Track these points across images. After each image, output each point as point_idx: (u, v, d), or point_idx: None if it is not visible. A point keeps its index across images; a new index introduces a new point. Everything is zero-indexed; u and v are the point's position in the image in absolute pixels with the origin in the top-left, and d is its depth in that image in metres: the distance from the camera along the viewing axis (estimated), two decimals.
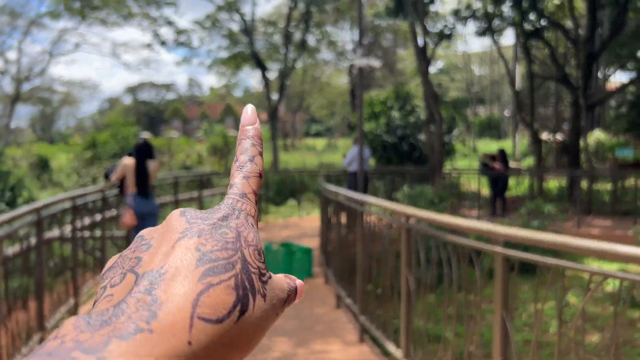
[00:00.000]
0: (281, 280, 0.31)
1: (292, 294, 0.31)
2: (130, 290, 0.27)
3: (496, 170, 11.23)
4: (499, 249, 2.49)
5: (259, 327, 0.28)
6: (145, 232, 0.30)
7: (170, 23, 19.83)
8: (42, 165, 22.43)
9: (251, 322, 0.27)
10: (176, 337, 0.25)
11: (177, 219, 0.29)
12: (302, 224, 10.69)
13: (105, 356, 0.24)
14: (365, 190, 7.54)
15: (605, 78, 19.39)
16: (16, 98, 35.53)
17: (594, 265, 6.18)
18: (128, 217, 5.33)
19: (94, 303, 0.28)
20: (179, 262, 0.27)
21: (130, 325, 0.25)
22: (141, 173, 5.62)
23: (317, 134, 61.81)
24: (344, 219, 5.27)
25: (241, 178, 0.32)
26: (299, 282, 0.33)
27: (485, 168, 11.34)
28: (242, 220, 0.29)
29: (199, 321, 0.25)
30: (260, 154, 0.33)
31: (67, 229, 5.05)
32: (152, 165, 5.77)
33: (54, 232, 4.85)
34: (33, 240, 4.24)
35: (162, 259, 0.28)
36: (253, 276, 0.28)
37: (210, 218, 0.29)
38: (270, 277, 0.29)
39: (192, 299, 0.26)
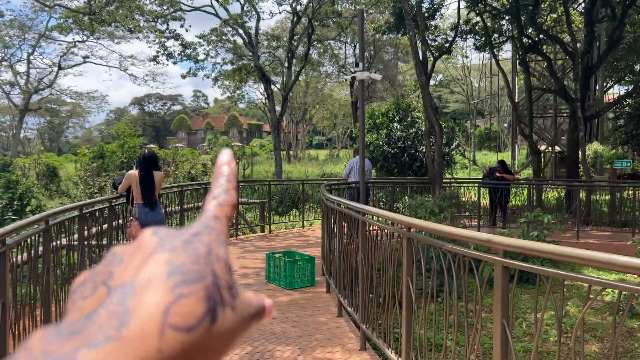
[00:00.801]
0: (250, 297, 0.32)
1: (261, 311, 0.32)
2: (102, 302, 0.27)
3: (509, 180, 11.37)
4: (498, 258, 2.55)
5: (228, 338, 0.28)
6: (117, 248, 0.31)
7: (176, 37, 20.05)
8: (50, 175, 22.56)
9: (221, 333, 0.28)
10: (146, 345, 0.25)
11: (149, 237, 0.30)
12: (305, 233, 10.76)
13: None
14: (366, 201, 7.63)
15: (603, 90, 19.56)
16: (25, 109, 35.74)
17: (593, 275, 6.25)
18: (133, 228, 5.42)
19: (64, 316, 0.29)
20: (150, 274, 0.27)
21: (100, 334, 0.25)
22: (146, 184, 5.71)
23: (319, 145, 62.01)
24: (345, 228, 5.35)
25: (215, 204, 0.33)
26: (267, 301, 0.34)
27: (492, 177, 11.44)
28: (214, 237, 0.30)
29: (169, 330, 0.26)
30: (235, 189, 0.34)
31: (75, 237, 5.12)
32: (157, 175, 5.87)
33: (62, 241, 4.93)
34: (41, 249, 4.32)
35: (134, 272, 0.28)
36: (223, 290, 0.28)
37: (182, 234, 0.30)
38: (238, 293, 0.30)
39: (163, 308, 0.26)
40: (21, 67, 40.50)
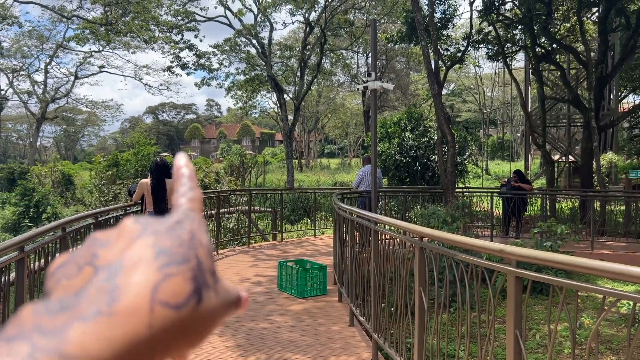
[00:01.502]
0: (228, 285, 0.33)
1: (237, 301, 0.33)
2: (90, 280, 0.28)
3: (526, 189, 11.31)
4: (511, 268, 2.55)
5: (211, 320, 0.29)
6: (99, 234, 0.31)
7: (190, 47, 20.31)
8: (66, 183, 22.87)
9: (205, 315, 0.29)
10: (136, 319, 0.26)
11: (132, 224, 0.31)
12: (316, 242, 10.77)
13: (66, 338, 0.25)
14: (377, 210, 7.63)
15: (618, 100, 19.40)
16: (42, 118, 36.32)
17: (608, 287, 6.18)
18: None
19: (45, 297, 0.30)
20: (137, 255, 0.28)
21: (91, 309, 0.26)
22: (158, 191, 5.78)
23: (331, 154, 62.09)
24: (357, 237, 5.36)
25: (185, 201, 0.34)
26: (243, 293, 0.34)
27: (508, 186, 11.38)
28: (196, 224, 0.31)
29: (158, 306, 0.27)
30: (198, 186, 0.36)
31: None
32: (169, 183, 5.94)
33: (78, 248, 5.00)
34: (58, 255, 4.38)
35: (119, 254, 0.29)
36: (206, 273, 0.29)
37: (164, 222, 0.31)
38: (219, 279, 0.31)
39: (152, 285, 0.27)
40: (39, 77, 41.22)
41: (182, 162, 0.37)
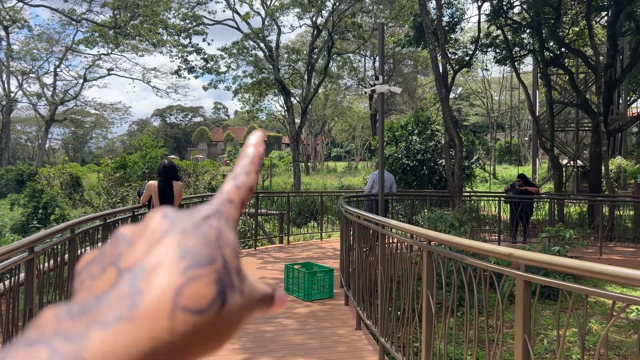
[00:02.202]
0: (257, 282, 0.32)
1: (267, 298, 0.33)
2: (112, 283, 0.28)
3: (532, 192, 11.26)
4: (520, 272, 2.54)
5: (235, 322, 0.29)
6: (124, 230, 0.31)
7: (198, 51, 20.40)
8: (74, 185, 23.02)
9: (228, 317, 0.28)
10: (157, 325, 0.26)
11: (159, 219, 0.30)
12: (323, 245, 10.77)
13: (85, 343, 0.24)
14: (385, 214, 7.62)
15: (627, 104, 19.28)
16: (51, 120, 36.59)
17: (617, 292, 6.14)
18: None
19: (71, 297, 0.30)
20: (161, 256, 0.28)
21: (112, 313, 0.26)
22: (165, 193, 5.81)
23: (338, 157, 62.12)
24: (364, 240, 5.36)
25: (232, 186, 0.33)
26: (280, 292, 0.34)
27: (514, 190, 11.31)
28: (224, 222, 0.31)
29: (180, 311, 0.26)
30: (256, 172, 0.34)
31: (99, 246, 5.22)
32: (176, 185, 5.96)
33: (87, 249, 5.03)
34: (67, 256, 4.42)
35: (143, 254, 0.28)
36: (232, 273, 0.29)
37: (192, 218, 0.30)
38: (246, 277, 0.31)
39: (174, 290, 0.26)
40: (48, 79, 41.52)
41: (253, 140, 0.36)
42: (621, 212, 11.83)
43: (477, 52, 15.52)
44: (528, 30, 15.58)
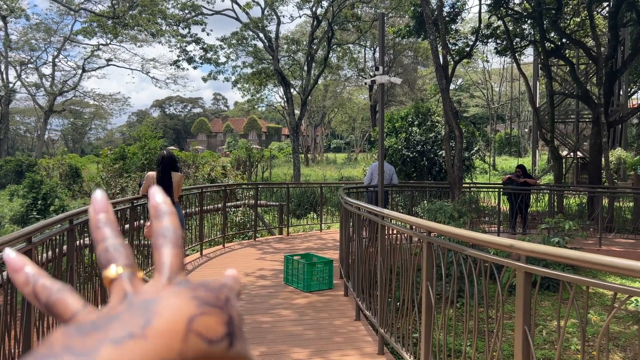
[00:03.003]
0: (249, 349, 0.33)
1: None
2: (124, 306, 0.28)
3: (531, 184, 11.25)
4: (521, 264, 2.53)
5: None
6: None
7: (197, 41, 20.29)
8: (73, 176, 23.01)
9: (233, 359, 0.28)
10: (169, 345, 0.25)
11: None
12: (323, 236, 10.78)
13: (95, 358, 0.24)
14: (385, 205, 7.60)
15: (627, 95, 19.22)
16: (50, 111, 36.47)
17: (617, 283, 6.14)
18: (149, 228, 5.50)
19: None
20: (174, 293, 0.28)
21: (123, 330, 0.25)
22: (163, 184, 5.78)
23: (338, 149, 62.08)
24: (364, 232, 5.35)
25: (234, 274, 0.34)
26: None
27: (511, 182, 11.29)
28: (233, 293, 0.31)
29: (193, 336, 0.26)
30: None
31: None
32: (175, 176, 5.93)
33: (85, 240, 5.02)
34: (65, 247, 4.40)
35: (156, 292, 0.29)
36: (238, 326, 0.30)
37: (206, 286, 0.30)
38: (246, 340, 0.31)
39: (189, 315, 0.27)
40: (46, 70, 41.43)
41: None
42: (621, 204, 11.82)
43: (477, 43, 15.44)
44: (529, 21, 15.48)
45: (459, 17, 15.39)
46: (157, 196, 0.34)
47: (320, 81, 27.33)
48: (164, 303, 0.27)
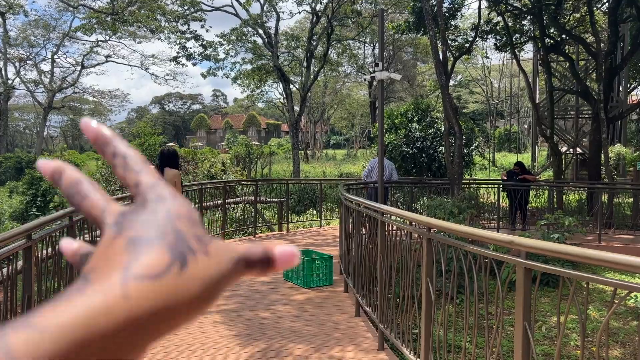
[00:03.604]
0: (231, 245, 0.32)
1: (256, 258, 0.33)
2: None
3: (530, 180, 11.26)
4: (521, 260, 2.53)
5: (208, 281, 0.29)
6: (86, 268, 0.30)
7: (196, 37, 20.24)
8: None
9: (197, 278, 0.28)
10: (109, 291, 0.25)
11: (109, 239, 0.30)
12: (323, 232, 10.78)
13: (34, 319, 0.24)
14: (385, 201, 7.60)
15: (627, 91, 19.20)
16: (49, 107, 36.42)
17: (616, 279, 6.14)
18: None
19: None
20: (111, 250, 0.29)
21: (62, 296, 0.26)
22: None
23: (337, 145, 62.03)
24: (364, 228, 5.35)
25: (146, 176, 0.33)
26: (283, 248, 0.33)
27: (511, 178, 11.31)
28: (169, 201, 0.31)
29: (132, 279, 0.26)
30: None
31: (97, 233, 5.21)
32: (168, 173, 5.86)
33: (85, 236, 5.02)
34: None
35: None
36: (189, 240, 0.29)
37: (140, 214, 0.30)
38: (210, 241, 0.30)
39: (122, 266, 0.27)
40: (45, 66, 41.28)
41: (89, 126, 0.35)
42: (620, 200, 11.83)
43: (477, 39, 15.41)
44: (529, 17, 15.45)
45: (458, 13, 15.37)
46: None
47: (319, 77, 27.31)
48: (98, 272, 0.28)
